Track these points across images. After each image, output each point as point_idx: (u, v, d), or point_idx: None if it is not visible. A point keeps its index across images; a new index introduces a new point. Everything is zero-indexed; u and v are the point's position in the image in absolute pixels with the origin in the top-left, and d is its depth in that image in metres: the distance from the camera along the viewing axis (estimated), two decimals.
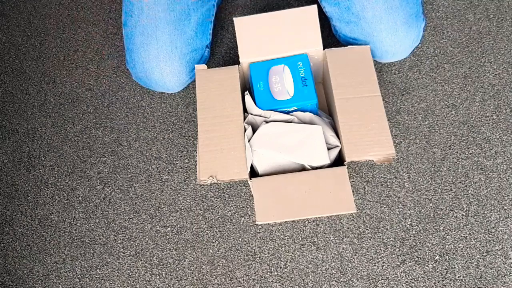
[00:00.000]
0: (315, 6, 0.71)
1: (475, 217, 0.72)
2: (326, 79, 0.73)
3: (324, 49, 0.71)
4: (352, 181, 0.76)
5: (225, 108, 0.68)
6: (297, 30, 0.71)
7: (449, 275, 0.70)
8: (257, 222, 0.63)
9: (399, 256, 0.71)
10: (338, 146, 0.68)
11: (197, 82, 0.70)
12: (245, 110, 0.73)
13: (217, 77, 0.70)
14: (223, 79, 0.70)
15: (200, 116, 0.68)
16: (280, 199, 0.63)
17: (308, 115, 0.70)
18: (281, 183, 0.64)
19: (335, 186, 0.63)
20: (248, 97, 0.71)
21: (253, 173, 0.70)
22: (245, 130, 0.67)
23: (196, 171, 0.80)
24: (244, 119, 0.69)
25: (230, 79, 0.69)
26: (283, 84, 0.70)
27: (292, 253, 0.73)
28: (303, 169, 0.67)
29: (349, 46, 0.71)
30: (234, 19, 0.71)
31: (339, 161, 0.68)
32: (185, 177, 0.80)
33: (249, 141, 0.66)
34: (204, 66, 0.72)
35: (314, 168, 0.67)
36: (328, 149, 0.67)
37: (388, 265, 0.71)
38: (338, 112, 0.66)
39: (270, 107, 0.69)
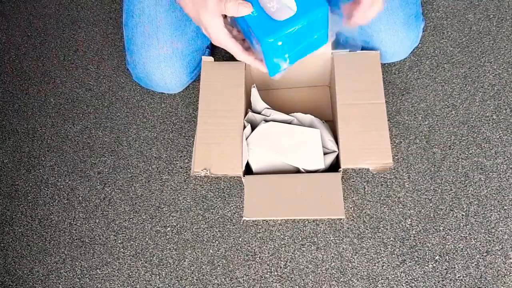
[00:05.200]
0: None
1: (475, 217, 0.72)
2: (332, 83, 0.72)
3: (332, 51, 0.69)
4: (352, 181, 0.76)
5: (227, 102, 0.68)
6: None
7: (449, 275, 0.70)
8: (244, 218, 0.63)
9: (399, 256, 0.71)
10: (335, 151, 0.67)
11: (202, 74, 0.70)
12: (248, 106, 0.73)
13: (222, 70, 0.70)
14: (229, 73, 0.69)
15: (202, 108, 0.68)
16: (271, 198, 0.63)
17: (308, 117, 0.70)
18: (274, 182, 0.64)
19: (326, 190, 0.63)
20: (254, 91, 0.70)
21: (249, 170, 0.70)
22: (244, 127, 0.67)
23: None
24: (245, 115, 0.69)
25: (235, 74, 0.69)
26: (279, 0, 0.56)
27: (292, 253, 0.73)
28: (298, 171, 0.67)
29: (358, 51, 0.70)
30: None
31: (336, 166, 0.68)
32: (185, 177, 0.80)
33: (246, 139, 0.66)
34: (211, 58, 0.71)
35: (308, 172, 0.66)
36: (325, 153, 0.67)
37: (388, 265, 0.71)
38: (339, 118, 0.66)
39: (273, 33, 0.55)
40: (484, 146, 0.76)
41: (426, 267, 0.70)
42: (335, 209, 0.62)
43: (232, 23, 0.61)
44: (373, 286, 0.70)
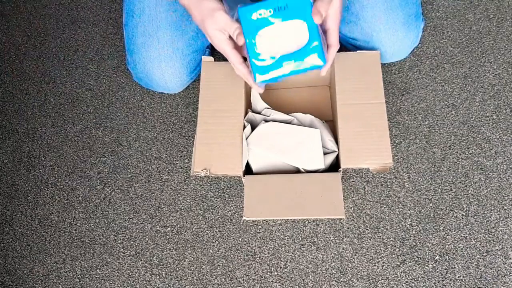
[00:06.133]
0: None
1: (475, 217, 0.72)
2: (332, 83, 0.72)
3: None
4: (352, 181, 0.76)
5: (227, 102, 0.68)
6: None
7: (449, 275, 0.70)
8: (244, 218, 0.63)
9: (399, 256, 0.71)
10: (335, 151, 0.67)
11: (202, 74, 0.70)
12: (248, 106, 0.73)
13: (223, 71, 0.70)
14: (229, 73, 0.69)
15: (202, 107, 0.68)
16: (270, 198, 0.63)
17: (308, 117, 0.70)
18: (274, 182, 0.64)
19: (326, 190, 0.63)
20: (254, 91, 0.70)
21: (249, 170, 0.70)
22: (244, 127, 0.67)
23: None
24: (245, 115, 0.69)
25: (235, 74, 0.69)
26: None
27: (292, 253, 0.73)
28: (297, 171, 0.67)
29: (358, 51, 0.70)
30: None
31: (336, 166, 0.68)
32: (185, 177, 0.80)
33: (246, 139, 0.66)
34: (211, 58, 0.71)
35: (308, 172, 0.66)
36: (325, 153, 0.67)
37: (388, 265, 0.71)
38: (339, 118, 0.66)
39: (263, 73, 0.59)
40: (484, 146, 0.76)
41: (426, 267, 0.70)
42: (335, 209, 0.62)
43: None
44: (373, 286, 0.70)
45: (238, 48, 0.61)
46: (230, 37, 0.60)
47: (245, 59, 0.63)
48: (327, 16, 0.58)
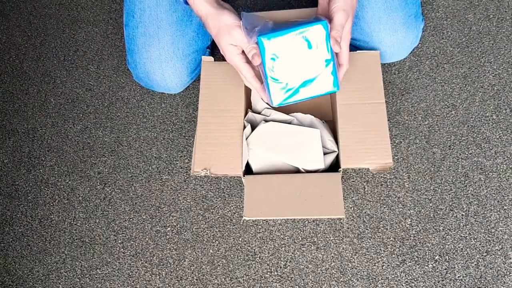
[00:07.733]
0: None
1: (475, 217, 0.72)
2: None
3: None
4: (352, 181, 0.76)
5: (227, 102, 0.68)
6: None
7: (449, 275, 0.70)
8: (244, 218, 0.63)
9: (399, 256, 0.71)
10: (335, 151, 0.67)
11: (203, 73, 0.70)
12: (248, 106, 0.73)
13: (222, 70, 0.70)
14: (229, 73, 0.69)
15: (202, 107, 0.68)
16: (271, 198, 0.63)
17: (308, 117, 0.70)
18: (274, 182, 0.65)
19: (326, 190, 0.63)
20: (254, 91, 0.70)
21: (249, 170, 0.70)
22: (244, 127, 0.67)
23: None
24: (245, 115, 0.69)
25: (235, 74, 0.68)
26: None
27: (292, 253, 0.73)
28: (297, 171, 0.67)
29: (358, 51, 0.70)
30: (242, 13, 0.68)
31: (336, 166, 0.68)
32: (185, 177, 0.80)
33: (246, 139, 0.66)
34: (211, 58, 0.71)
35: (308, 172, 0.66)
36: (325, 153, 0.67)
37: (388, 265, 0.71)
38: (339, 118, 0.66)
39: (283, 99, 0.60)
40: (484, 146, 0.76)
41: (426, 267, 0.70)
42: (335, 209, 0.62)
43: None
44: (373, 286, 0.70)
45: (249, 61, 0.61)
46: (243, 52, 0.61)
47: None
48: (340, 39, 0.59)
